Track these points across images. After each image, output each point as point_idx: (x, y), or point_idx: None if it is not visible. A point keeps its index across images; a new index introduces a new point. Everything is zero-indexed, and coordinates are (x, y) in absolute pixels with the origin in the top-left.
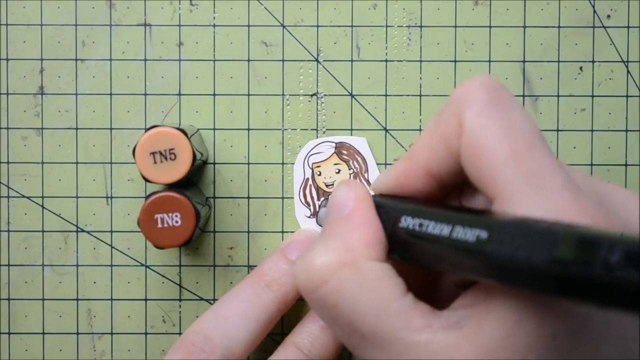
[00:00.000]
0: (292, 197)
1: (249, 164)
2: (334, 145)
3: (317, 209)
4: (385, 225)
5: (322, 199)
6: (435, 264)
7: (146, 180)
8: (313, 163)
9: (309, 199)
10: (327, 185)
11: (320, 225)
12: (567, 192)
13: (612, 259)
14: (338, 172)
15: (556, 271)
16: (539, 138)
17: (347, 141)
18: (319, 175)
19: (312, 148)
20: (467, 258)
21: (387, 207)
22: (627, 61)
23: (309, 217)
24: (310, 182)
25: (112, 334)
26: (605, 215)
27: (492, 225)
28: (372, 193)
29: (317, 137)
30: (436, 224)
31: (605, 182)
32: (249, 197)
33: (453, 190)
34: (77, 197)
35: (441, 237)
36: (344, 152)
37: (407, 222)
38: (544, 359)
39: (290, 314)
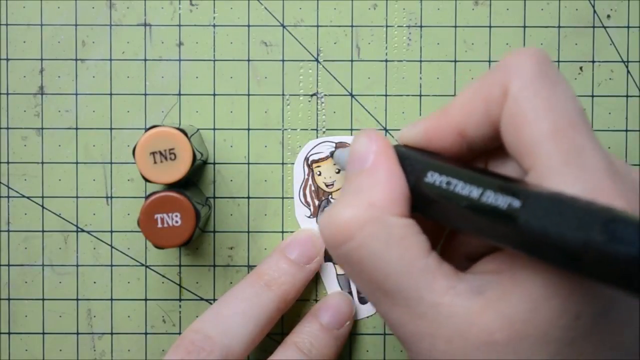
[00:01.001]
0: (292, 197)
1: (249, 164)
2: (334, 145)
3: (318, 209)
4: (409, 178)
5: (323, 199)
6: (460, 226)
7: (146, 180)
8: (313, 162)
9: (309, 199)
10: (327, 185)
11: (338, 168)
12: (605, 173)
13: None
14: (338, 172)
15: (590, 252)
16: (581, 117)
17: (347, 141)
18: (319, 175)
19: (312, 148)
20: (496, 224)
21: (412, 159)
22: (627, 61)
23: (308, 217)
24: (310, 182)
25: (112, 334)
26: None
27: (527, 195)
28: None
29: (317, 137)
30: (465, 184)
31: None
32: (249, 197)
33: (481, 155)
34: (77, 197)
35: (470, 199)
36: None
37: (434, 178)
38: (565, 336)
39: (290, 314)
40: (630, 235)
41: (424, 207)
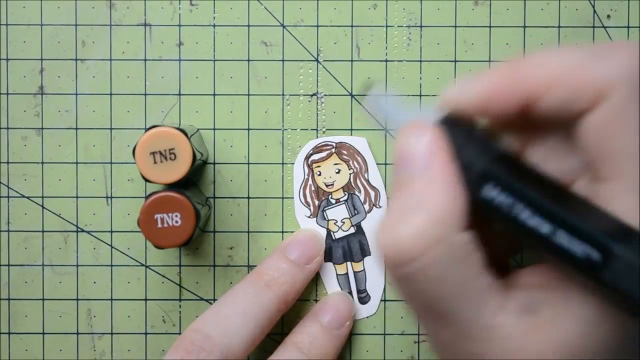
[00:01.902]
0: (292, 197)
1: (249, 164)
2: (334, 145)
3: (317, 209)
4: (464, 179)
5: (323, 199)
6: (523, 246)
7: (146, 180)
8: (313, 162)
9: (308, 199)
10: (327, 185)
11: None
12: None
13: None
14: (338, 172)
15: None
16: None
17: (347, 141)
18: (319, 175)
19: (312, 148)
20: (568, 265)
21: (468, 152)
22: None
23: (308, 217)
24: (310, 182)
25: (112, 334)
26: None
27: (606, 246)
28: (441, 108)
29: (317, 137)
30: (533, 215)
31: None
32: (249, 197)
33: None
34: (77, 197)
35: (538, 234)
36: (344, 152)
37: (494, 195)
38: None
39: (290, 314)
40: None
41: (478, 216)
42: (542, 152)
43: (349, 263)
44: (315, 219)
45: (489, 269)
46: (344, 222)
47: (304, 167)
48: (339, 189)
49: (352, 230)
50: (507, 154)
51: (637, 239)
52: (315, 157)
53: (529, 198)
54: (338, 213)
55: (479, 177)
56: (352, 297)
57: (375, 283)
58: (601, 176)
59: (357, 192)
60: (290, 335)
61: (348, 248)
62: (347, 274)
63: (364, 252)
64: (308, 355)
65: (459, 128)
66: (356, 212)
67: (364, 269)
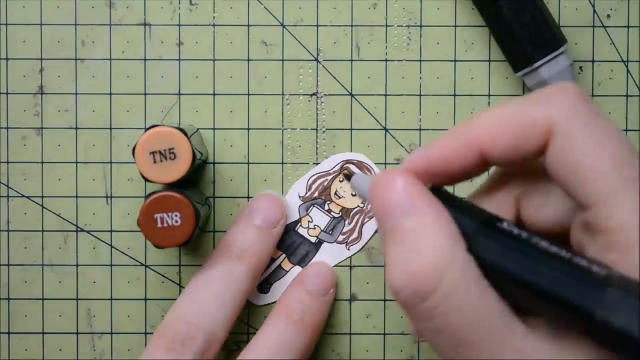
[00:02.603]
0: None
1: (249, 164)
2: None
3: (310, 200)
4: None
5: (322, 198)
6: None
7: (146, 180)
8: (345, 166)
9: (314, 186)
10: (336, 194)
11: (355, 195)
12: None
13: None
14: (354, 195)
15: None
16: (633, 146)
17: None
18: (341, 181)
19: (358, 160)
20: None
21: (456, 216)
22: (627, 61)
23: (299, 197)
24: (329, 178)
25: (112, 334)
26: None
27: (587, 310)
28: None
29: (316, 138)
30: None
31: None
32: (249, 197)
33: (506, 190)
34: (77, 197)
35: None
36: (352, 167)
37: (485, 253)
38: None
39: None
40: None
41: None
42: (538, 201)
43: (284, 255)
44: (301, 202)
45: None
46: (315, 228)
47: (339, 165)
48: (340, 206)
49: (314, 240)
50: (491, 217)
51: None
52: (352, 168)
53: (509, 262)
54: (319, 218)
55: (472, 230)
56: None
57: (284, 288)
58: (584, 205)
59: (347, 221)
60: (280, 304)
61: (296, 246)
62: (275, 260)
63: (302, 261)
64: (301, 323)
65: (444, 196)
66: (331, 232)
67: (287, 272)
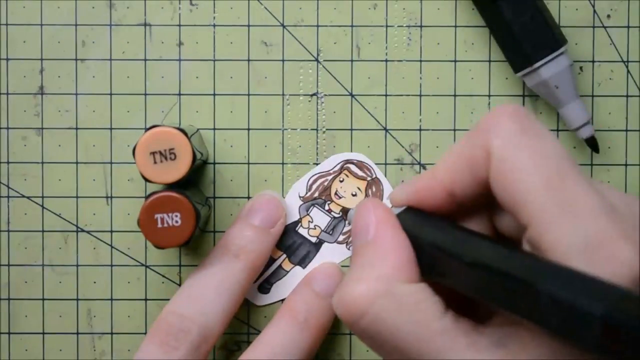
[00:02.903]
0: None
1: (249, 164)
2: (372, 177)
3: (310, 200)
4: (416, 240)
5: (322, 198)
6: (472, 294)
7: (146, 180)
8: (346, 167)
9: (314, 186)
10: (336, 194)
11: (355, 192)
12: (602, 217)
13: None
14: (354, 195)
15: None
16: (570, 164)
17: (381, 181)
18: (341, 181)
19: (358, 161)
20: (512, 314)
21: (421, 228)
22: (627, 61)
23: (299, 197)
24: (329, 178)
25: (112, 334)
26: None
27: (533, 286)
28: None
29: (316, 138)
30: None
31: None
32: (249, 197)
33: (480, 210)
34: (77, 197)
35: (477, 287)
36: (374, 188)
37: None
38: None
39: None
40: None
41: (436, 273)
42: (500, 217)
43: (284, 255)
44: (301, 202)
45: (455, 312)
46: (315, 228)
47: (339, 164)
48: (340, 206)
49: (314, 240)
50: (453, 226)
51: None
52: (352, 167)
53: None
54: (319, 218)
55: (430, 248)
56: (257, 281)
57: (285, 289)
58: (522, 225)
59: (347, 221)
60: (286, 304)
61: (296, 246)
62: (275, 260)
63: (302, 261)
64: (305, 324)
65: (415, 213)
66: (331, 232)
67: (287, 272)
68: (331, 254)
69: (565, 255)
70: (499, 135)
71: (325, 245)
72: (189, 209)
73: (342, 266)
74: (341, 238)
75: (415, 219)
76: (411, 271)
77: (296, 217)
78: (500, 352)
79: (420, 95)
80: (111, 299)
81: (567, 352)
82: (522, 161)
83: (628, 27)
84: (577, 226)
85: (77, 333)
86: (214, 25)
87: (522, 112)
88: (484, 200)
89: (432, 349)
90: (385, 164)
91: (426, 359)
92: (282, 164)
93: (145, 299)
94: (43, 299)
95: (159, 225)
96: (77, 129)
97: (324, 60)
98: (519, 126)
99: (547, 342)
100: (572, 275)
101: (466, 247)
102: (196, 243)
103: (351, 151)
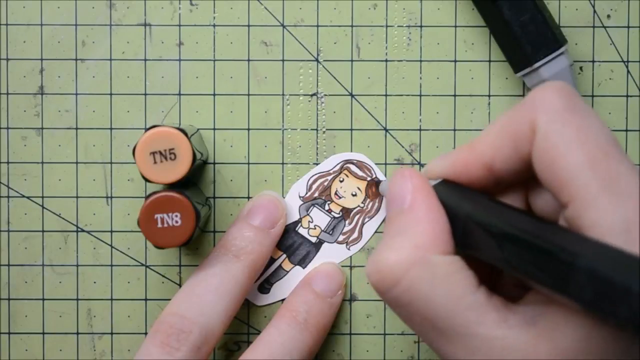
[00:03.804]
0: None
1: (249, 164)
2: (372, 177)
3: (310, 200)
4: (452, 213)
5: (322, 198)
6: (507, 268)
7: (146, 180)
8: (346, 167)
9: (314, 186)
10: (336, 193)
11: (355, 192)
12: None
13: None
14: (353, 195)
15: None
16: (614, 144)
17: (382, 181)
18: (341, 181)
19: (358, 161)
20: (545, 288)
21: (453, 199)
22: (627, 61)
23: (299, 197)
24: (329, 177)
25: (112, 334)
26: None
27: (570, 262)
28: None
29: (316, 138)
30: (500, 243)
31: None
32: (249, 197)
33: (516, 187)
34: (77, 197)
35: (511, 263)
36: (374, 189)
37: (476, 234)
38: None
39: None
40: None
41: (470, 245)
42: (537, 194)
43: (284, 255)
44: (301, 202)
45: (489, 288)
46: (315, 228)
47: (339, 164)
48: (340, 206)
49: (314, 240)
50: (489, 199)
51: (600, 251)
52: (352, 167)
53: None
54: (319, 218)
55: (465, 220)
56: (257, 281)
57: (285, 289)
58: (562, 203)
59: (347, 221)
60: (285, 304)
61: (296, 246)
62: (275, 260)
63: (303, 261)
64: (304, 324)
65: (450, 185)
66: (331, 232)
67: (287, 272)
68: (331, 254)
69: (605, 233)
70: (545, 111)
71: (325, 245)
72: (189, 209)
73: (342, 266)
74: (341, 238)
75: (450, 192)
76: (446, 242)
77: (296, 217)
78: (531, 329)
79: (420, 95)
80: (111, 299)
81: (599, 332)
82: (568, 137)
83: (628, 27)
84: (619, 205)
85: (77, 333)
86: (214, 25)
87: (568, 89)
88: (521, 177)
89: (462, 322)
90: (385, 164)
91: (455, 332)
92: (282, 164)
93: (145, 299)
94: (43, 299)
95: (159, 225)
96: (77, 129)
97: (324, 60)
98: (565, 103)
99: (580, 321)
100: (611, 252)
101: (503, 219)
102: (196, 243)
103: (351, 151)
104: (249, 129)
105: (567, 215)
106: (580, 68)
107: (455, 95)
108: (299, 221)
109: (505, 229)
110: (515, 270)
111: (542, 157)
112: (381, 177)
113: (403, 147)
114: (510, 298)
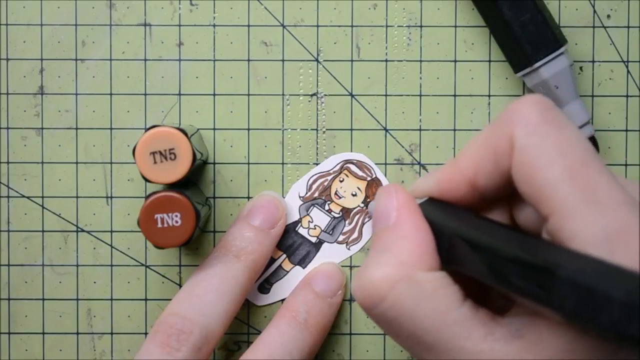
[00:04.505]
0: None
1: (249, 164)
2: (372, 177)
3: (310, 200)
4: (437, 229)
5: (322, 198)
6: (492, 282)
7: (146, 180)
8: (346, 167)
9: (314, 186)
10: (336, 193)
11: (355, 192)
12: (623, 208)
13: None
14: (354, 195)
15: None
16: (592, 155)
17: (382, 182)
18: (341, 181)
19: (358, 160)
20: (528, 300)
21: (439, 218)
22: (627, 61)
23: (299, 197)
24: (329, 177)
25: (112, 334)
26: None
27: (552, 273)
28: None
29: (316, 138)
30: (488, 263)
31: None
32: (249, 197)
33: (500, 202)
34: (77, 197)
35: (495, 278)
36: (374, 189)
37: (461, 251)
38: None
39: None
40: None
41: (455, 261)
42: (520, 208)
43: (284, 255)
44: (301, 202)
45: (474, 302)
46: (315, 228)
47: (339, 164)
48: (340, 206)
49: (314, 240)
50: (460, 209)
51: (583, 262)
52: (352, 167)
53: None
54: (319, 218)
55: (450, 236)
56: (257, 281)
57: (285, 289)
58: (544, 215)
59: (347, 221)
60: (285, 304)
61: (296, 246)
62: (275, 260)
63: (303, 261)
64: (304, 324)
65: (436, 203)
66: (331, 232)
67: (287, 272)
68: (331, 254)
69: (587, 244)
70: (522, 125)
71: (325, 245)
72: (189, 209)
73: (342, 266)
74: (341, 238)
75: (436, 209)
76: (431, 259)
77: (296, 217)
78: (517, 342)
79: (420, 95)
80: (111, 299)
81: (583, 343)
82: (545, 150)
83: (628, 27)
84: (599, 216)
85: (77, 333)
86: (214, 25)
87: (545, 102)
88: (504, 193)
89: (449, 337)
90: (385, 164)
91: (442, 347)
92: (282, 164)
93: (145, 299)
94: (43, 299)
95: (159, 225)
96: (77, 129)
97: (324, 60)
98: (542, 116)
99: (563, 332)
100: (592, 262)
101: (487, 235)
102: (196, 243)
103: (351, 151)
104: (249, 129)
105: (548, 228)
106: (580, 68)
107: (455, 95)
108: (299, 221)
109: (488, 244)
110: (499, 284)
111: (521, 172)
112: (381, 177)
113: (403, 147)
114: (499, 309)
